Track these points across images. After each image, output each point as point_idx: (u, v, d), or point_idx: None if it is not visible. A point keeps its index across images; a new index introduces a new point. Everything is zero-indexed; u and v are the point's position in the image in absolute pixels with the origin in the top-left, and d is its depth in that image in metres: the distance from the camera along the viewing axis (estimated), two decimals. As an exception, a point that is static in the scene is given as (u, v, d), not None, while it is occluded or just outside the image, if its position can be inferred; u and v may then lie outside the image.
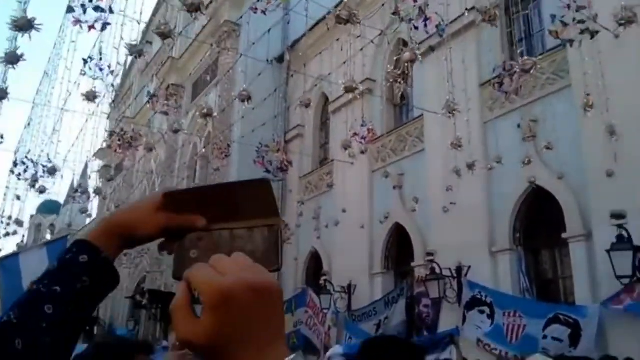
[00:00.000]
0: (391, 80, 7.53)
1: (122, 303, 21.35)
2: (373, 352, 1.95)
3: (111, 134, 9.23)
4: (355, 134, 6.48)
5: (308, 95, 15.19)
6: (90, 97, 5.87)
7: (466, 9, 7.04)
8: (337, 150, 12.18)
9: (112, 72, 6.38)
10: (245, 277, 0.52)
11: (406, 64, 5.11)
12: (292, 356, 0.52)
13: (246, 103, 7.53)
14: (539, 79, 8.71)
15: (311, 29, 14.66)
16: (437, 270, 9.02)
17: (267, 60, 7.09)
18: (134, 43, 6.34)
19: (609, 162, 6.50)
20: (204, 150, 14.49)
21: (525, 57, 4.62)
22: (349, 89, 4.71)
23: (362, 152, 6.64)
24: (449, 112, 5.36)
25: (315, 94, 15.19)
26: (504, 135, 8.52)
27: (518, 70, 5.23)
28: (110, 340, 3.00)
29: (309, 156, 14.94)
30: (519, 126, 8.60)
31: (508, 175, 8.45)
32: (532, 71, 5.22)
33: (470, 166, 6.75)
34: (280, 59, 15.83)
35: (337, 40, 10.16)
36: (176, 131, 10.87)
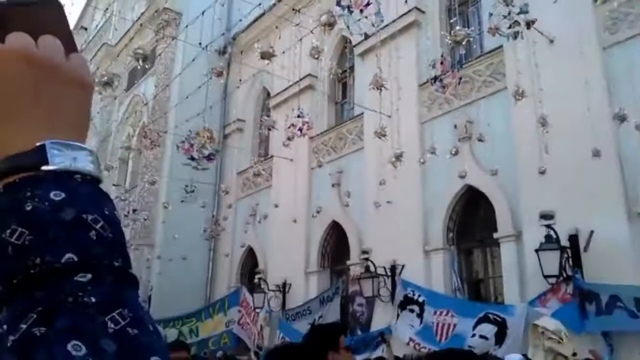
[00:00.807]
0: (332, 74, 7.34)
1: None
2: None
3: None
4: (293, 125, 6.26)
5: (247, 95, 14.88)
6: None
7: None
8: (277, 146, 11.93)
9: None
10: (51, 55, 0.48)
11: (324, 27, 4.92)
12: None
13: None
14: (476, 81, 8.84)
15: (254, 21, 14.38)
16: (372, 269, 8.95)
17: (202, 47, 6.74)
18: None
19: (540, 163, 6.62)
20: (136, 140, 13.81)
21: (458, 28, 4.54)
22: (264, 55, 4.49)
23: (289, 138, 6.41)
24: (377, 88, 5.23)
25: (257, 88, 14.88)
26: (441, 136, 8.56)
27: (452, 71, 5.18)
28: None
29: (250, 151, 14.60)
30: (455, 127, 8.67)
31: (443, 175, 8.50)
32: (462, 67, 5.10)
33: (398, 157, 6.68)
34: (221, 51, 15.38)
35: (280, 38, 9.91)
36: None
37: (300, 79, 11.94)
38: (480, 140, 7.30)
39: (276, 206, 11.26)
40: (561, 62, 7.23)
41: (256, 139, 14.64)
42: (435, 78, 5.44)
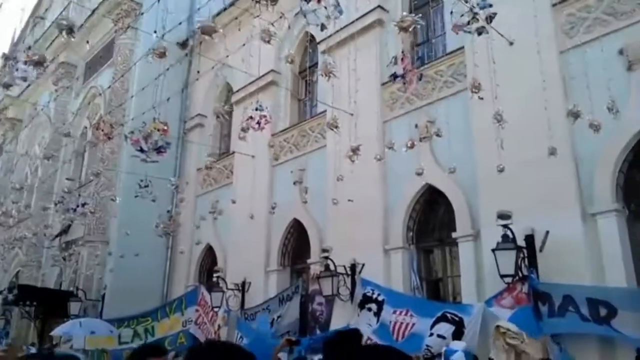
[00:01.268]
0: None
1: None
2: None
3: None
4: (251, 117, 6.08)
5: (209, 89, 14.56)
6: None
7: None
8: (238, 142, 11.71)
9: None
10: None
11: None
12: None
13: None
14: (437, 81, 8.87)
15: (217, 14, 14.09)
16: (332, 267, 8.87)
17: (156, 35, 6.48)
18: None
19: (498, 162, 6.66)
20: (91, 133, 13.29)
21: (405, 14, 4.48)
22: (205, 30, 4.28)
23: (243, 130, 6.23)
24: (325, 75, 5.11)
25: (219, 83, 14.59)
26: (402, 135, 8.53)
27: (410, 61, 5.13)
28: None
29: (215, 147, 14.29)
30: (416, 126, 8.68)
31: (403, 175, 8.49)
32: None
33: (355, 150, 6.58)
34: (183, 45, 15.03)
35: (239, 30, 9.71)
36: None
37: (263, 75, 11.77)
38: (437, 135, 7.31)
39: (233, 202, 11.07)
40: (520, 64, 7.31)
41: (218, 134, 14.36)
42: (395, 75, 5.39)
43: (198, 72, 9.80)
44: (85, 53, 17.77)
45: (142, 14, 13.52)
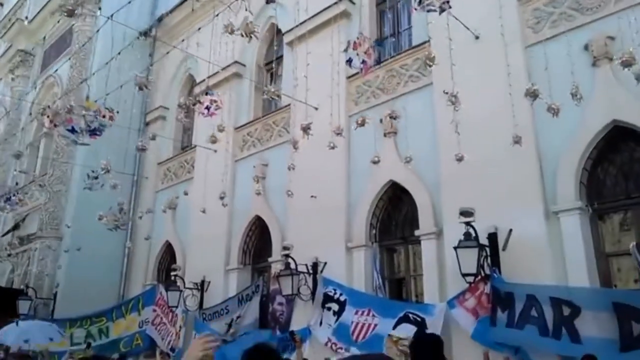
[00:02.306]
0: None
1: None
2: None
3: None
4: (199, 101, 5.71)
5: (172, 81, 14.07)
6: None
7: None
8: (200, 135, 11.30)
9: None
10: None
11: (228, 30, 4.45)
12: None
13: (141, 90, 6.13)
14: (402, 75, 8.66)
15: (181, 3, 13.65)
16: (292, 266, 8.56)
17: (108, 18, 6.07)
18: None
19: (462, 162, 6.46)
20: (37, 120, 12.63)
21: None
22: (67, 10, 3.92)
23: (181, 106, 5.85)
24: (246, 35, 4.76)
25: (182, 74, 14.13)
26: (366, 129, 8.26)
27: (368, 45, 4.85)
28: None
29: (177, 141, 13.79)
30: (380, 121, 8.44)
31: (366, 170, 8.25)
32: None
33: (305, 129, 6.22)
34: (146, 34, 14.47)
35: (201, 19, 9.32)
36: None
37: (227, 66, 11.40)
38: (392, 117, 7.00)
39: (186, 193, 10.72)
40: (485, 59, 7.15)
41: (180, 128, 13.88)
42: (350, 60, 5.11)
43: (151, 59, 9.23)
44: (42, 41, 17.02)
45: (100, 0, 12.96)
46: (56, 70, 16.05)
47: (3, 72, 19.30)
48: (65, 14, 5.15)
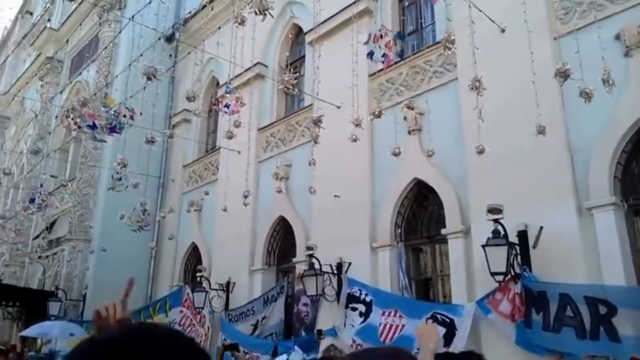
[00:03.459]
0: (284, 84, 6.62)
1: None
2: None
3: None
4: (218, 100, 5.67)
5: (196, 84, 14.18)
6: None
7: None
8: (223, 137, 11.32)
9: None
10: None
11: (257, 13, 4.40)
12: None
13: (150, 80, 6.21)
14: (426, 71, 8.50)
15: (203, 7, 13.74)
16: (317, 266, 8.47)
17: (131, 19, 6.13)
18: None
19: (489, 153, 6.28)
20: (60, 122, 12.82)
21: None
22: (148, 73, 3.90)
23: (216, 103, 5.79)
24: (260, 12, 4.62)
25: (206, 77, 14.21)
26: (390, 127, 8.14)
27: (390, 38, 4.73)
28: None
29: (202, 143, 13.88)
30: (405, 119, 8.30)
31: (390, 169, 8.12)
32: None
33: (317, 122, 6.09)
34: (169, 39, 14.63)
35: (226, 21, 9.33)
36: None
37: (249, 68, 11.40)
38: (409, 107, 6.83)
39: (206, 193, 10.71)
40: (512, 52, 6.95)
41: (204, 130, 13.97)
42: (371, 53, 5.00)
43: (193, 82, 9.29)
44: (68, 47, 17.37)
45: (125, 6, 13.12)
46: (80, 74, 16.36)
47: (33, 79, 19.78)
48: (146, 77, 5.21)
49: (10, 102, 21.99)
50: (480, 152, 5.98)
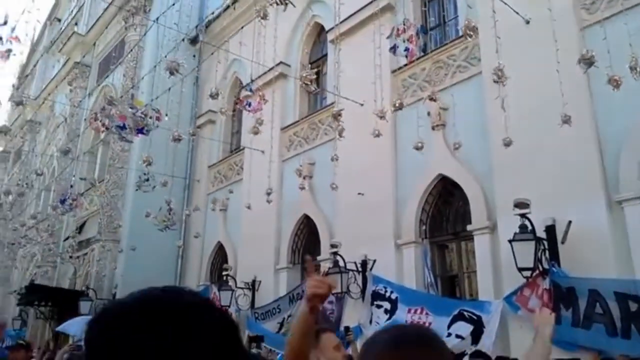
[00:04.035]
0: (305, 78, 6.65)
1: (7, 300, 19.36)
2: None
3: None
4: (240, 99, 5.71)
5: (219, 84, 14.32)
6: None
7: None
8: (248, 137, 11.41)
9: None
10: None
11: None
12: None
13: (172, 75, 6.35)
14: (450, 66, 8.42)
15: (226, 9, 13.86)
16: (341, 264, 8.46)
17: (154, 21, 6.23)
18: None
19: (514, 147, 6.18)
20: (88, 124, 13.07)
21: None
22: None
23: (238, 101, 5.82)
24: (281, 2, 4.62)
25: (229, 78, 14.33)
26: (414, 123, 8.08)
27: (412, 32, 4.69)
28: None
29: (226, 143, 14.01)
30: (428, 114, 8.22)
31: (414, 165, 8.06)
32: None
33: (336, 116, 6.04)
34: (193, 41, 14.80)
35: (249, 21, 9.39)
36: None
37: (271, 68, 11.44)
38: (441, 106, 6.74)
39: (231, 192, 10.77)
40: (537, 43, 6.82)
41: (229, 131, 14.10)
42: (394, 47, 4.96)
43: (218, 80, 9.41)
44: (95, 51, 17.75)
45: (149, 10, 13.32)
46: (107, 77, 16.68)
47: (62, 84, 20.26)
48: (169, 72, 5.27)
49: (40, 107, 22.58)
50: (507, 144, 5.88)
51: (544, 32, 6.72)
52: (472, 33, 4.81)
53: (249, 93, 5.69)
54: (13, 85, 29.00)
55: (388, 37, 5.94)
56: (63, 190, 15.74)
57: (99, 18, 17.22)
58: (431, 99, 5.87)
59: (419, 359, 0.97)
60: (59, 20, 26.24)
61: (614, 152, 6.08)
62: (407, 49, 4.94)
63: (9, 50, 6.18)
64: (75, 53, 19.21)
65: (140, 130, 5.17)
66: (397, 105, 6.24)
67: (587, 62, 4.92)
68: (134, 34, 14.89)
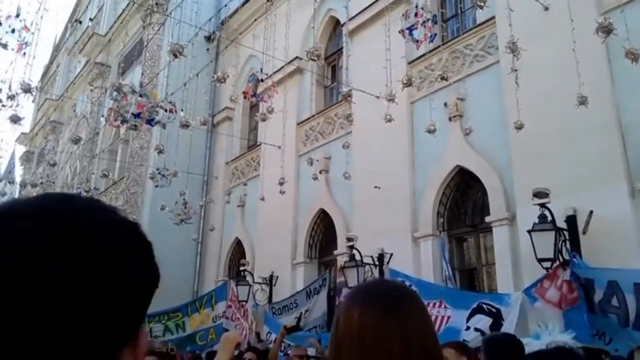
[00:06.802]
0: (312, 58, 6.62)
1: None
2: None
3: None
4: (244, 92, 5.70)
5: (236, 82, 14.37)
6: None
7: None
8: (265, 133, 11.44)
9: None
10: None
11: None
12: None
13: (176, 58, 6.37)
14: (467, 56, 8.29)
15: (243, 5, 13.91)
16: (357, 257, 8.40)
17: (172, 19, 6.27)
18: None
19: (534, 140, 6.06)
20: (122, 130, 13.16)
21: None
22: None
23: (246, 97, 5.82)
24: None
25: (246, 74, 14.36)
26: (430, 114, 7.98)
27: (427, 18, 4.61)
28: None
29: (243, 139, 14.07)
30: (445, 105, 8.11)
31: (431, 157, 7.96)
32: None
33: (346, 97, 5.95)
34: (209, 38, 14.88)
35: (264, 16, 9.39)
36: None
37: (287, 63, 11.45)
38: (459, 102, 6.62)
39: (244, 184, 10.77)
40: (556, 30, 6.66)
41: (246, 127, 14.14)
42: (409, 28, 4.88)
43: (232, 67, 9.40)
44: (118, 52, 17.97)
45: (170, 12, 13.37)
46: (126, 76, 16.87)
47: (83, 85, 20.57)
48: (172, 55, 5.29)
49: (63, 108, 22.97)
50: (519, 127, 5.75)
51: (563, 20, 6.57)
52: (482, 4, 4.67)
53: (254, 83, 5.68)
54: (36, 87, 29.55)
55: (403, 16, 5.81)
56: (85, 189, 16.00)
57: (117, 18, 17.43)
58: (443, 78, 5.76)
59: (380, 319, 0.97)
60: (80, 23, 26.66)
61: (637, 141, 5.91)
62: (420, 35, 4.85)
63: (25, 44, 6.26)
64: (95, 53, 19.49)
65: (149, 121, 5.20)
66: (405, 82, 6.09)
67: (606, 30, 4.76)
68: (152, 33, 15.03)
